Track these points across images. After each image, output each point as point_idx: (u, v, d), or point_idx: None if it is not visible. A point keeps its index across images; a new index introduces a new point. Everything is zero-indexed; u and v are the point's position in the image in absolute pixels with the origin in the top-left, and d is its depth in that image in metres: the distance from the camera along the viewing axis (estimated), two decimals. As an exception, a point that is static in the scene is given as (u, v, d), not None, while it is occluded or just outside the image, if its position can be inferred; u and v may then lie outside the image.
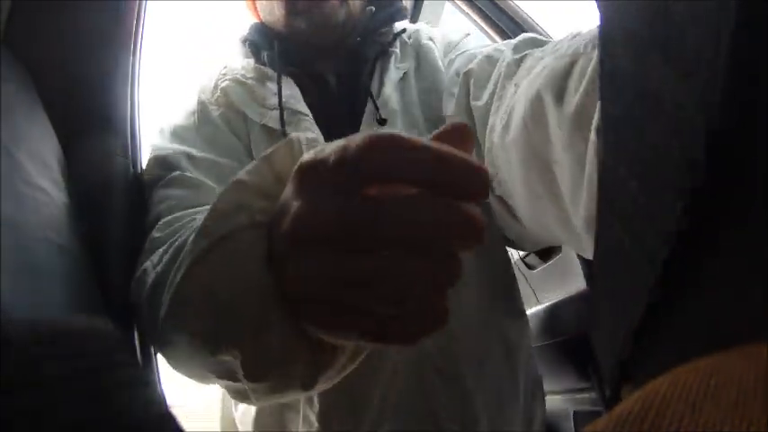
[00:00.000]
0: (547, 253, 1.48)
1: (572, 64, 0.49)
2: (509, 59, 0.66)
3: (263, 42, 0.86)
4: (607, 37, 0.29)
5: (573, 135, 0.48)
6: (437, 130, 0.36)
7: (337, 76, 0.88)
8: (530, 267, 1.59)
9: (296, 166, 0.36)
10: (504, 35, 1.32)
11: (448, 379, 0.69)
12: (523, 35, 0.72)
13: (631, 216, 0.27)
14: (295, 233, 0.35)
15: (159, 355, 0.65)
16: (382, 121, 0.76)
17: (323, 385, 0.45)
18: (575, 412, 1.39)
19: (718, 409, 0.17)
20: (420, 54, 0.90)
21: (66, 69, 0.71)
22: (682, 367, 0.20)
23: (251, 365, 0.41)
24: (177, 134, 0.78)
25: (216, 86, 0.85)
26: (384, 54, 0.87)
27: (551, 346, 1.38)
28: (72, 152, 0.68)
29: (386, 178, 0.32)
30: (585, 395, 1.32)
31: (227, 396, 0.69)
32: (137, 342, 0.65)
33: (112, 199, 0.68)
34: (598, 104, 0.32)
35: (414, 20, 1.90)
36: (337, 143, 0.33)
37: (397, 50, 0.89)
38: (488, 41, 1.35)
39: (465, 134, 0.35)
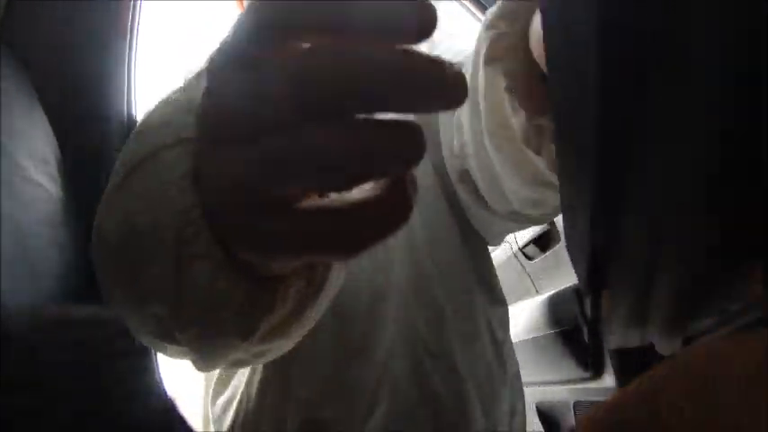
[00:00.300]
0: (545, 243, 1.48)
1: None
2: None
3: None
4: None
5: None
6: None
7: None
8: (528, 258, 1.60)
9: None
10: None
11: (440, 361, 0.70)
12: None
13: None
14: (206, 127, 0.28)
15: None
16: None
17: (267, 343, 0.38)
18: (575, 402, 1.39)
19: (717, 398, 0.17)
20: None
21: (63, 67, 0.71)
22: (678, 357, 0.20)
23: (175, 309, 0.33)
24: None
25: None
26: None
27: (552, 336, 1.38)
28: (69, 148, 0.68)
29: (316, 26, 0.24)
30: (586, 385, 1.32)
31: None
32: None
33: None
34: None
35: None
36: None
37: None
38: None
39: None
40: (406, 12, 0.22)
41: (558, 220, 1.38)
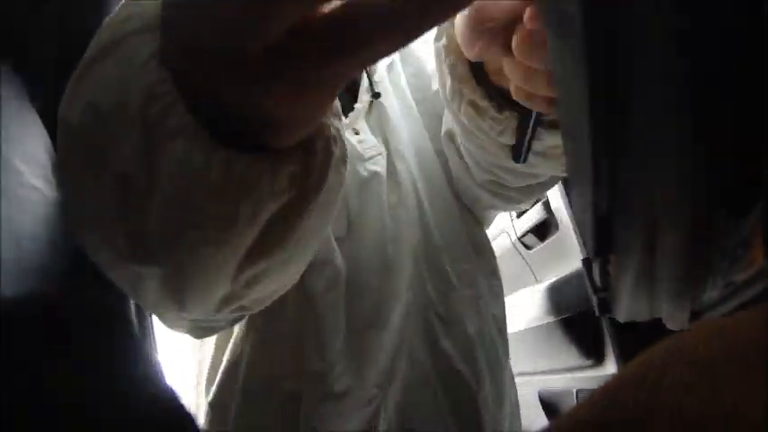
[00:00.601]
0: (544, 233, 1.48)
1: None
2: None
3: None
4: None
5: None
6: None
7: None
8: (527, 247, 1.60)
9: None
10: None
11: (451, 326, 0.71)
12: None
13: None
14: None
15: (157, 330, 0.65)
16: (377, 95, 0.75)
17: (257, 263, 0.35)
18: (578, 390, 1.39)
19: (721, 377, 0.17)
20: None
21: (57, 68, 0.71)
22: (679, 332, 0.20)
23: (147, 197, 0.30)
24: None
25: None
26: None
27: (553, 325, 1.39)
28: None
29: None
30: (588, 373, 1.32)
31: None
32: (134, 316, 0.65)
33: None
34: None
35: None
36: None
37: None
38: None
39: None
40: None
41: (557, 208, 1.38)
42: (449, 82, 0.53)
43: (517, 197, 0.72)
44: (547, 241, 1.48)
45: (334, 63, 0.24)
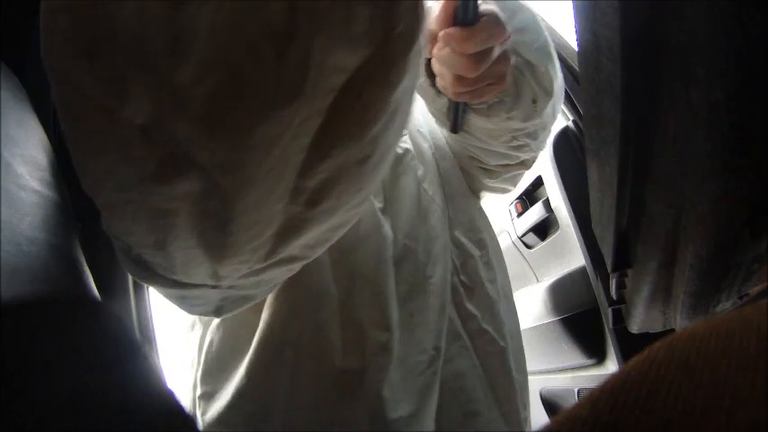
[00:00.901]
0: (544, 232, 1.48)
1: None
2: None
3: None
4: None
5: None
6: None
7: None
8: (528, 247, 1.60)
9: None
10: None
11: (470, 289, 0.76)
12: None
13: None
14: None
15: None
16: None
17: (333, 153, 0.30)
18: (579, 390, 1.39)
19: (718, 376, 0.17)
20: None
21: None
22: (678, 333, 0.20)
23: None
24: None
25: None
26: None
27: (554, 324, 1.38)
28: (65, 151, 0.68)
29: None
30: (589, 372, 1.32)
31: None
32: (134, 318, 0.65)
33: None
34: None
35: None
36: None
37: None
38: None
39: None
40: None
41: (557, 208, 1.38)
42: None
43: (497, 171, 0.82)
44: (547, 240, 1.48)
45: None
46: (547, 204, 1.40)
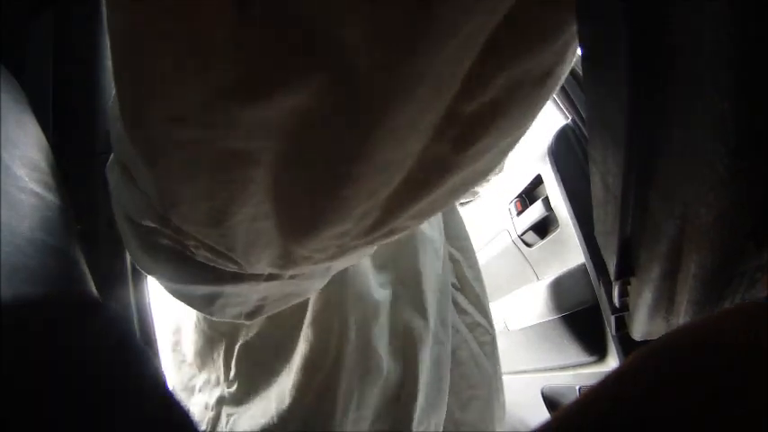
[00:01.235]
0: (544, 230, 1.48)
1: None
2: None
3: None
4: None
5: None
6: None
7: None
8: (527, 245, 1.60)
9: None
10: None
11: (459, 289, 0.88)
12: None
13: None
14: None
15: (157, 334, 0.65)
16: None
17: None
18: (580, 387, 1.39)
19: (719, 369, 0.17)
20: None
21: (54, 70, 0.71)
22: (679, 327, 0.20)
23: None
24: None
25: None
26: None
27: (555, 322, 1.38)
28: (63, 153, 0.68)
29: None
30: (591, 370, 1.32)
31: None
32: (135, 319, 0.66)
33: (107, 196, 0.69)
34: None
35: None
36: None
37: None
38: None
39: None
40: None
41: (556, 206, 1.38)
42: None
43: None
44: (547, 238, 1.48)
45: None
46: (546, 203, 1.40)
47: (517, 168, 1.49)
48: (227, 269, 0.35)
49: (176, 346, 0.74)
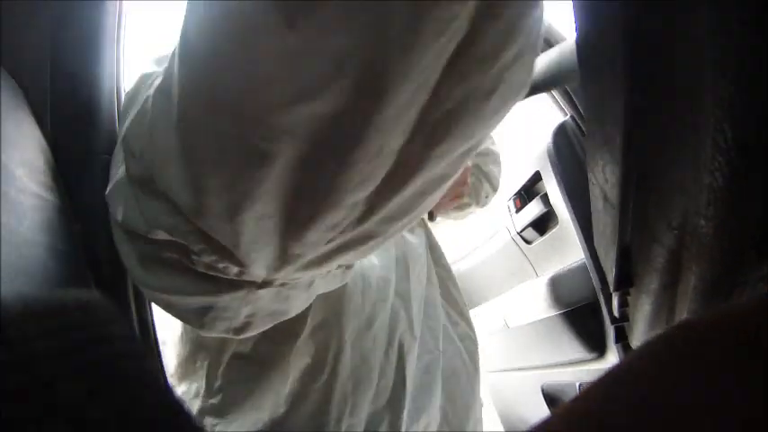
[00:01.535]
0: (543, 227, 1.48)
1: None
2: None
3: None
4: None
5: None
6: None
7: None
8: (527, 242, 1.60)
9: None
10: None
11: (443, 298, 0.95)
12: None
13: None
14: None
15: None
16: None
17: None
18: (580, 384, 1.40)
19: (716, 369, 0.17)
20: None
21: (52, 70, 0.71)
22: (676, 326, 0.20)
23: None
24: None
25: None
26: None
27: (555, 319, 1.39)
28: (61, 153, 0.68)
29: None
30: (591, 367, 1.32)
31: None
32: (134, 318, 0.66)
33: (100, 198, 0.69)
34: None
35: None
36: None
37: None
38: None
39: None
40: None
41: (555, 203, 1.38)
42: None
43: None
44: (546, 235, 1.48)
45: None
46: (545, 199, 1.40)
47: (516, 165, 1.49)
48: (226, 275, 0.40)
49: None
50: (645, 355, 0.19)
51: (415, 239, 0.91)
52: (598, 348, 1.27)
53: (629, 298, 0.39)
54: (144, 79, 0.50)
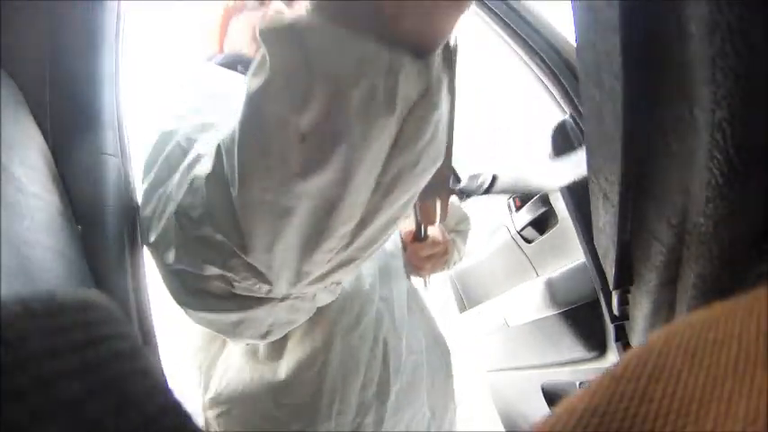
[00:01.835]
0: (543, 226, 1.48)
1: None
2: None
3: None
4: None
5: None
6: None
7: None
8: (527, 241, 1.60)
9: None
10: (518, 37, 1.30)
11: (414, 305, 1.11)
12: None
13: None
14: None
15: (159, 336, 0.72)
16: None
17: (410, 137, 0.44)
18: (581, 383, 1.40)
19: (718, 365, 0.17)
20: None
21: (51, 70, 0.71)
22: (677, 322, 0.20)
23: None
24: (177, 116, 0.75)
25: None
26: None
27: (555, 318, 1.39)
28: (61, 153, 0.68)
29: None
30: (591, 366, 1.32)
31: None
32: (134, 318, 0.66)
33: (105, 197, 0.68)
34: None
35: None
36: None
37: None
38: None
39: None
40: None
41: (555, 201, 1.38)
42: None
43: None
44: (546, 234, 1.48)
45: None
46: (545, 198, 1.40)
47: (516, 164, 1.49)
48: (259, 294, 0.58)
49: None
50: (647, 349, 0.19)
51: (396, 262, 1.09)
52: (598, 347, 1.27)
53: (628, 296, 0.39)
54: (165, 137, 0.68)
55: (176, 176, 0.61)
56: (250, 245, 0.51)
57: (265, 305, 0.59)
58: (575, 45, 0.36)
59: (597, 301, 1.19)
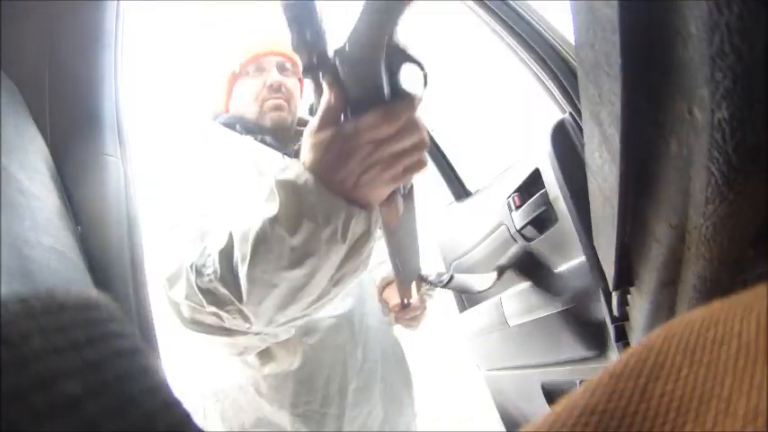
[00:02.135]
0: (543, 224, 1.48)
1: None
2: None
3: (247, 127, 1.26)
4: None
5: None
6: None
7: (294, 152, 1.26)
8: (526, 239, 1.60)
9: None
10: (518, 36, 1.30)
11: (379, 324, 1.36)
12: None
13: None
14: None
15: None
16: None
17: (352, 253, 0.70)
18: (580, 382, 1.39)
19: (717, 363, 0.17)
20: None
21: (51, 72, 0.71)
22: (676, 320, 0.20)
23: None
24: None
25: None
26: None
27: (555, 317, 1.39)
28: (61, 154, 0.68)
29: None
30: (591, 365, 1.33)
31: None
32: (134, 317, 0.66)
33: (105, 197, 0.68)
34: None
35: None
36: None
37: None
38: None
39: None
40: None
41: (555, 200, 1.38)
42: None
43: None
44: (546, 233, 1.47)
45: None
46: (545, 197, 1.40)
47: (516, 162, 1.49)
48: (240, 329, 0.82)
49: None
50: (647, 347, 0.19)
51: (358, 289, 1.29)
52: (598, 347, 1.27)
53: (628, 297, 0.39)
54: (185, 260, 0.84)
55: (188, 244, 0.87)
56: (245, 300, 0.74)
57: (244, 336, 0.87)
58: (574, 45, 0.36)
59: (597, 300, 1.19)
